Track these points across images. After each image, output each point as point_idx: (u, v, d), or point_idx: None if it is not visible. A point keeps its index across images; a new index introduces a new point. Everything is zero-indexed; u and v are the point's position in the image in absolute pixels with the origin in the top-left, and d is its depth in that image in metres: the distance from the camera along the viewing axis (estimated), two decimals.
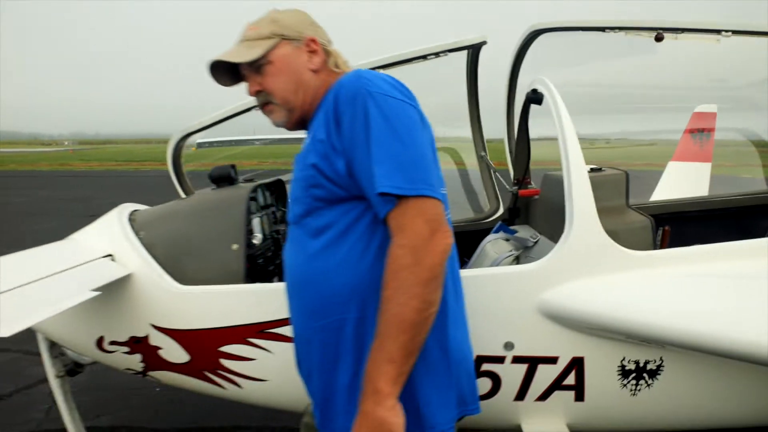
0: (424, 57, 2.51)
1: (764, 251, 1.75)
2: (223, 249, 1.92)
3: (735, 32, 2.32)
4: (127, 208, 2.18)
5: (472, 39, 2.56)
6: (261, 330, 1.82)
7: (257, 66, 1.31)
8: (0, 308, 1.46)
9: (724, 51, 2.39)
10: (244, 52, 1.31)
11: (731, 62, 2.91)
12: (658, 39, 2.32)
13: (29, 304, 1.58)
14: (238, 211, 1.98)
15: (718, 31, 2.33)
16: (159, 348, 1.94)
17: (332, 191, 1.22)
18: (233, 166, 2.16)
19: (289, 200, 1.39)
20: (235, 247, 1.92)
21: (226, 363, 1.89)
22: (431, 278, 1.11)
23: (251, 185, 2.14)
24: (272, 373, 1.87)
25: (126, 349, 1.99)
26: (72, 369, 2.40)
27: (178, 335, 1.90)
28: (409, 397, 1.17)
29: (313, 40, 1.33)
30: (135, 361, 2.01)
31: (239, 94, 1.47)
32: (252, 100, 1.46)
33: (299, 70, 1.32)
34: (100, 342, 2.02)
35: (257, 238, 2.07)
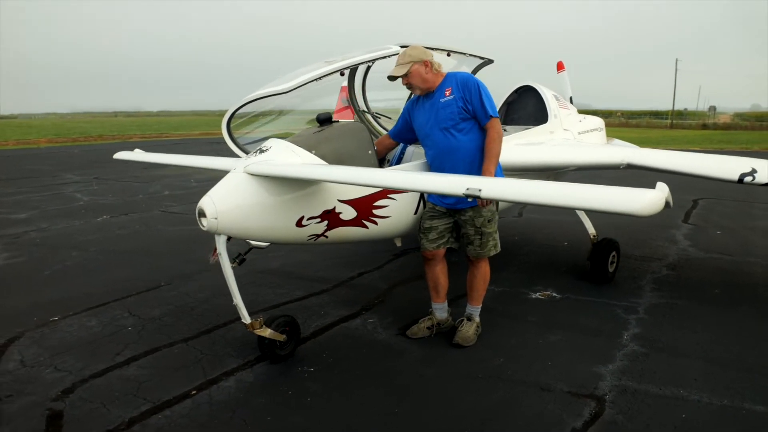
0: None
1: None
2: (364, 153, 3.70)
3: (452, 52, 5.21)
4: (280, 141, 3.50)
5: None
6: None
7: (406, 74, 3.51)
8: None
9: None
10: (399, 70, 3.51)
11: None
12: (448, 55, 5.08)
13: None
14: (366, 131, 3.79)
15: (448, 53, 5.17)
16: (340, 213, 3.58)
17: (465, 116, 3.52)
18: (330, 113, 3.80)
19: (433, 121, 3.59)
20: (370, 152, 3.73)
21: (375, 211, 3.72)
22: (501, 140, 3.58)
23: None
24: (394, 213, 3.82)
25: (318, 220, 3.51)
26: (242, 259, 3.53)
27: (352, 202, 3.60)
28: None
29: (425, 62, 3.55)
30: (321, 227, 3.55)
31: None
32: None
33: (423, 75, 3.55)
34: (300, 221, 3.43)
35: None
